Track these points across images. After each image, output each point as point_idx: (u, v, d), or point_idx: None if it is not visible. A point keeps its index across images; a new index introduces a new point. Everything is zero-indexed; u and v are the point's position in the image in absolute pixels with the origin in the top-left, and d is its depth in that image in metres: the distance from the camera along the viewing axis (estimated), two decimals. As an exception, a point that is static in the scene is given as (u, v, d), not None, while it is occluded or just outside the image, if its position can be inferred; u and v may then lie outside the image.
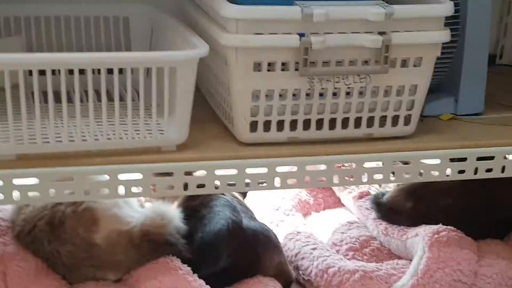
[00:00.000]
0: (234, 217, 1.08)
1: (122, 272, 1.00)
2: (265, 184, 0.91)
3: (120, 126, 0.85)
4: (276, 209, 1.27)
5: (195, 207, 1.13)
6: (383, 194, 1.21)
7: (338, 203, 1.33)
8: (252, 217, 1.15)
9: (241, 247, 1.05)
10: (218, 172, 0.89)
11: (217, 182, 0.89)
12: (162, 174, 0.88)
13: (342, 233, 1.20)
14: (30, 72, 0.78)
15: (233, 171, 0.89)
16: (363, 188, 1.27)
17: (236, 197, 1.19)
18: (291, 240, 1.16)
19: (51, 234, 0.98)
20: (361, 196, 1.26)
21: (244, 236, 1.06)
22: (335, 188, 1.33)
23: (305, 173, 0.91)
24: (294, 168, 0.91)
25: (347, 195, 1.29)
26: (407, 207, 1.15)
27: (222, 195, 1.16)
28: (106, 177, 0.85)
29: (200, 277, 0.99)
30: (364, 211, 1.22)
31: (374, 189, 1.27)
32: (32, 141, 0.82)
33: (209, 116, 1.02)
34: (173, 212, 1.06)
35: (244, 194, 1.29)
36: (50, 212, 1.00)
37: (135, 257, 0.99)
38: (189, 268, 0.99)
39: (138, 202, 1.13)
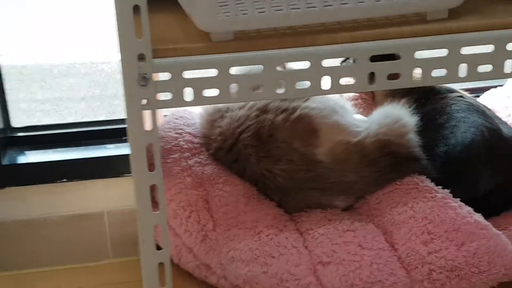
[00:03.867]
0: (488, 124, 0.80)
1: (354, 197, 0.76)
2: None
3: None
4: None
5: (427, 114, 0.85)
6: None
7: None
8: (506, 123, 0.86)
9: (508, 163, 0.77)
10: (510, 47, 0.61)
11: (509, 62, 0.61)
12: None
13: None
14: None
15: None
16: None
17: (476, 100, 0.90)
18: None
19: (259, 150, 0.76)
20: None
21: (509, 148, 0.78)
22: None
23: None
24: None
25: None
26: None
27: (460, 98, 0.88)
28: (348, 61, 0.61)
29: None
30: None
31: None
32: (260, 10, 0.57)
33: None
34: (411, 118, 0.79)
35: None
36: (255, 122, 0.77)
37: (370, 176, 0.75)
38: (447, 191, 0.73)
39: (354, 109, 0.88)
